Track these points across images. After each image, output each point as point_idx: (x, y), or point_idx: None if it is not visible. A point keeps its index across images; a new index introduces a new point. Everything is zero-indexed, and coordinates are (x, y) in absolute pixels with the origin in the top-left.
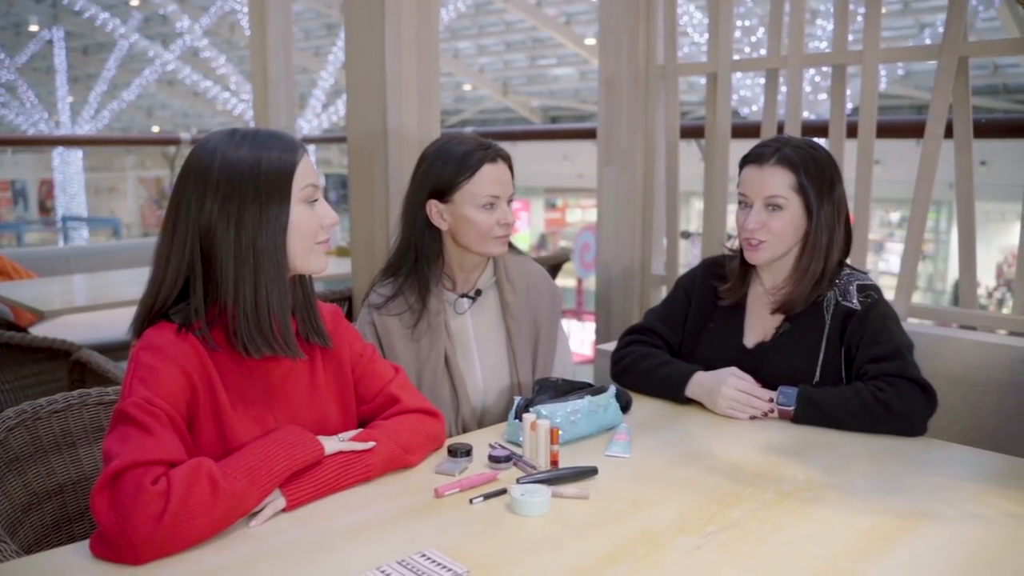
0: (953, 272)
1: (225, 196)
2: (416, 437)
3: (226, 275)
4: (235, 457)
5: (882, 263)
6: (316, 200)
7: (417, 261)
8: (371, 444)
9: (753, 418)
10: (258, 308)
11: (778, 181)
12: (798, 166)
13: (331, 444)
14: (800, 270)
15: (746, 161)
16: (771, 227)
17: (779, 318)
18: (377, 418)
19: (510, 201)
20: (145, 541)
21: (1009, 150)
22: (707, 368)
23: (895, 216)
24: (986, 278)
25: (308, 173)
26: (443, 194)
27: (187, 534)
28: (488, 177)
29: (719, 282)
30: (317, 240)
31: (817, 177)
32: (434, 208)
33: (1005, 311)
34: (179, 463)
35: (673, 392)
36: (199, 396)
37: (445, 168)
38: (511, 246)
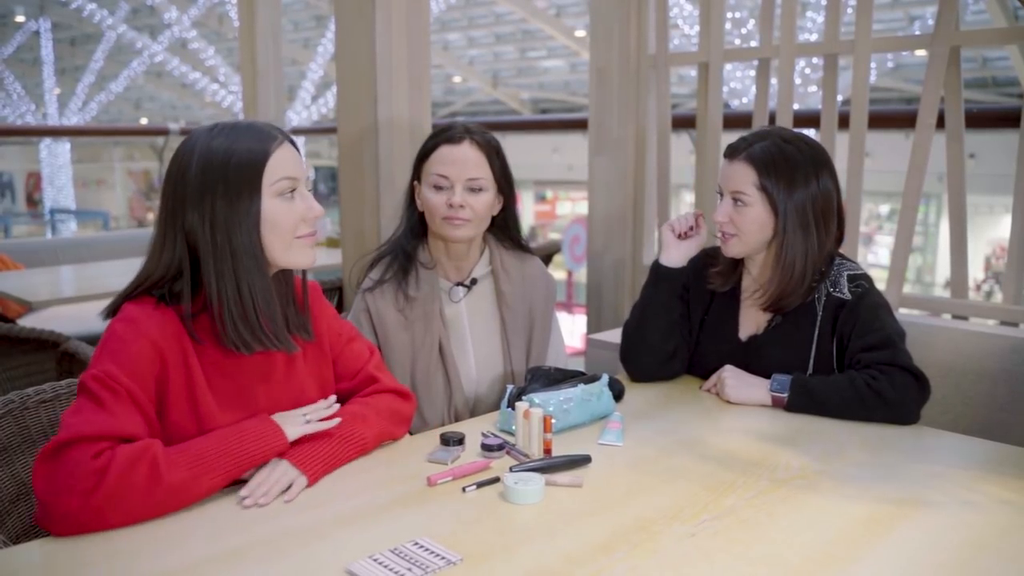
0: (941, 265)
1: (200, 193)
2: (395, 416)
3: (209, 273)
4: (194, 443)
5: (871, 256)
6: (295, 192)
7: (405, 242)
8: (336, 422)
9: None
10: (243, 305)
11: (743, 178)
12: (761, 166)
13: (294, 429)
14: (779, 267)
15: (725, 152)
16: (736, 221)
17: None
18: (355, 396)
19: (480, 189)
20: (71, 515)
21: (997, 143)
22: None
23: (884, 209)
24: (974, 271)
25: (284, 165)
26: (417, 174)
27: (117, 516)
28: (441, 157)
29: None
30: (296, 235)
31: (787, 175)
32: (415, 188)
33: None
34: (135, 439)
35: (652, 275)
36: (170, 370)
37: (422, 147)
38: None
